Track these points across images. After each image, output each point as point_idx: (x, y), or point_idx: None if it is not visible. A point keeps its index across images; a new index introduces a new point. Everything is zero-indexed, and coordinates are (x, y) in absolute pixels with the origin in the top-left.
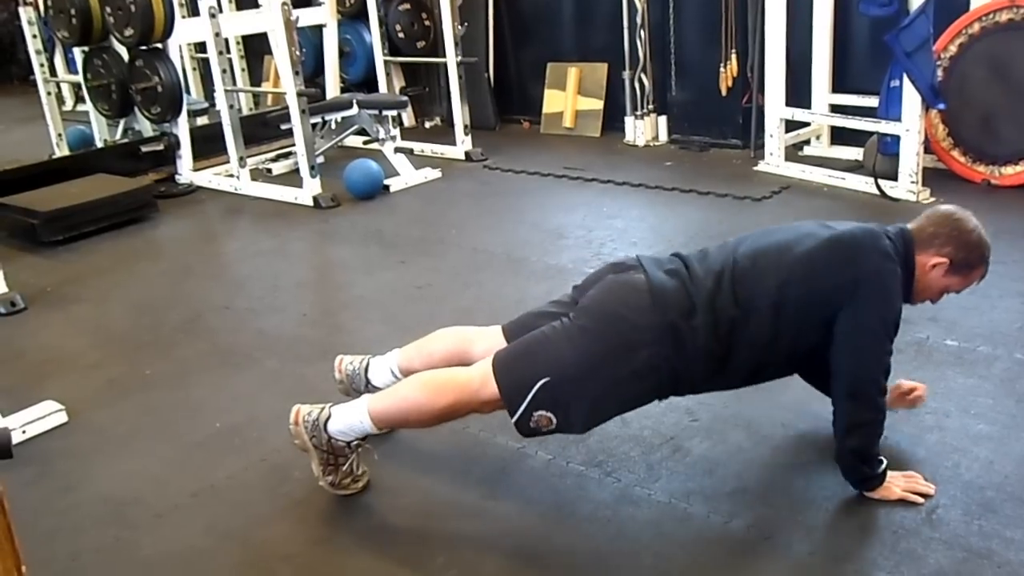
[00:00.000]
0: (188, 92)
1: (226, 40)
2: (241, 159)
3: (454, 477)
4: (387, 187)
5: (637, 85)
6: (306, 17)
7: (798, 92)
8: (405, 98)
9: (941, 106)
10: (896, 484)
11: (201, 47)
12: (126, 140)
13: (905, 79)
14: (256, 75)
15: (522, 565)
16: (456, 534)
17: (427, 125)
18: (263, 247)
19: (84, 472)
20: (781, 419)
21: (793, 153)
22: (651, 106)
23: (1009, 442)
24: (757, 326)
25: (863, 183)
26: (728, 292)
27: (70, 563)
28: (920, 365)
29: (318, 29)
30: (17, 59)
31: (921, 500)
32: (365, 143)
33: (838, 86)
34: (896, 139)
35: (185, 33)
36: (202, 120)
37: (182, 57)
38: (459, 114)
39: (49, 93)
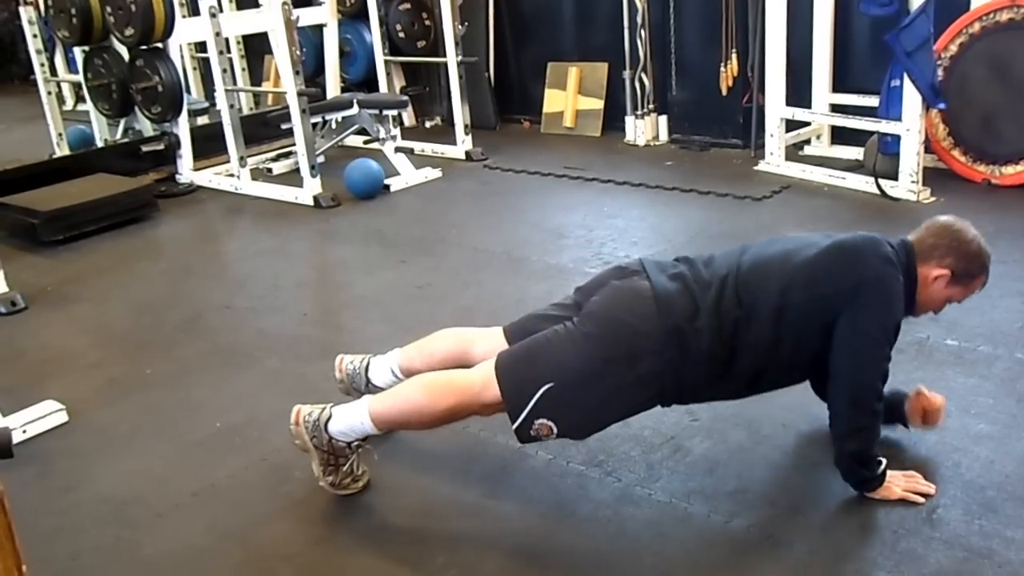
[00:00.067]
0: (188, 92)
1: (226, 40)
2: (241, 159)
3: (454, 477)
4: (387, 187)
5: (637, 85)
6: (306, 17)
7: (798, 92)
8: (405, 98)
9: (941, 106)
10: (896, 484)
11: (201, 47)
12: (126, 140)
13: (905, 79)
14: (256, 75)
15: (522, 565)
16: (456, 534)
17: (427, 125)
18: (263, 247)
19: (84, 471)
20: (782, 419)
21: (793, 153)
22: (651, 106)
23: (1010, 442)
24: (759, 330)
25: (863, 183)
26: (732, 295)
27: (70, 562)
28: (920, 365)
29: (318, 29)
30: (17, 59)
31: (921, 500)
32: (365, 143)
33: (838, 86)
34: (896, 139)
35: (185, 33)
36: (202, 120)
37: (182, 57)
38: (459, 114)
39: (49, 93)
